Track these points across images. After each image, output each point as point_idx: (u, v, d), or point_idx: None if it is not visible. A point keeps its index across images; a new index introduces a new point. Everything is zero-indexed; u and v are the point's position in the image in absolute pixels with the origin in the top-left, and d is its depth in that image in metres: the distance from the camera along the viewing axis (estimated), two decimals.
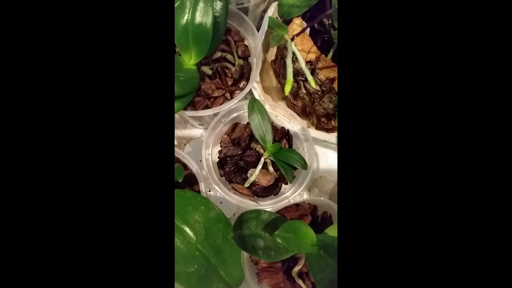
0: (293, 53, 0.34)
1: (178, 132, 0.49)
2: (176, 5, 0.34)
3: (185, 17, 0.34)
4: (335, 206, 0.37)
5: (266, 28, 0.33)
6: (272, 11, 0.47)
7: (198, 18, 0.34)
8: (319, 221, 0.39)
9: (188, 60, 0.37)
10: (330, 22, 0.41)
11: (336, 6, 0.33)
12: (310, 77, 0.33)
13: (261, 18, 0.52)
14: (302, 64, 0.34)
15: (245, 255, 0.34)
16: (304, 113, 0.48)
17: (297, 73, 0.40)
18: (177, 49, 0.40)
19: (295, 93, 0.45)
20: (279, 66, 0.49)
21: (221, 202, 0.46)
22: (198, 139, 0.49)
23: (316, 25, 0.43)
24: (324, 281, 0.27)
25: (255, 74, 0.42)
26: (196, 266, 0.30)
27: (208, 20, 0.33)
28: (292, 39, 0.35)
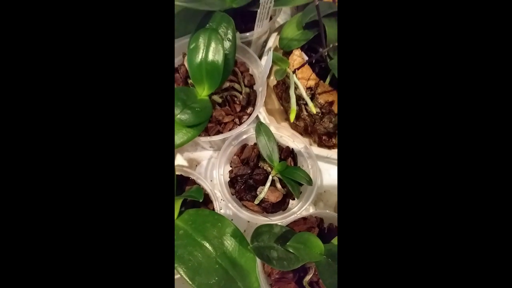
0: (295, 83, 0.38)
1: (189, 154, 0.53)
2: (191, 47, 0.38)
3: (200, 56, 0.39)
4: None
5: (271, 63, 0.37)
6: (272, 41, 0.52)
7: (210, 57, 0.38)
8: (325, 233, 0.41)
9: (202, 92, 0.41)
10: (326, 53, 0.45)
11: (335, 44, 0.37)
12: (310, 104, 0.36)
13: (262, 47, 0.56)
14: (303, 93, 0.38)
15: (259, 267, 0.37)
16: (306, 132, 0.52)
17: (299, 98, 0.44)
18: (189, 81, 0.45)
19: (297, 115, 0.48)
20: (281, 90, 0.53)
21: (231, 220, 0.49)
22: (208, 160, 0.53)
23: (313, 55, 0.47)
24: (333, 286, 0.31)
25: (260, 102, 0.45)
26: (216, 278, 0.33)
27: (220, 58, 0.38)
28: (294, 72, 0.39)
